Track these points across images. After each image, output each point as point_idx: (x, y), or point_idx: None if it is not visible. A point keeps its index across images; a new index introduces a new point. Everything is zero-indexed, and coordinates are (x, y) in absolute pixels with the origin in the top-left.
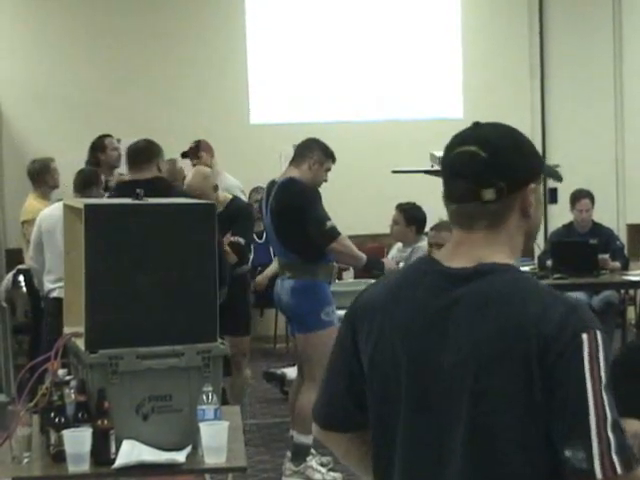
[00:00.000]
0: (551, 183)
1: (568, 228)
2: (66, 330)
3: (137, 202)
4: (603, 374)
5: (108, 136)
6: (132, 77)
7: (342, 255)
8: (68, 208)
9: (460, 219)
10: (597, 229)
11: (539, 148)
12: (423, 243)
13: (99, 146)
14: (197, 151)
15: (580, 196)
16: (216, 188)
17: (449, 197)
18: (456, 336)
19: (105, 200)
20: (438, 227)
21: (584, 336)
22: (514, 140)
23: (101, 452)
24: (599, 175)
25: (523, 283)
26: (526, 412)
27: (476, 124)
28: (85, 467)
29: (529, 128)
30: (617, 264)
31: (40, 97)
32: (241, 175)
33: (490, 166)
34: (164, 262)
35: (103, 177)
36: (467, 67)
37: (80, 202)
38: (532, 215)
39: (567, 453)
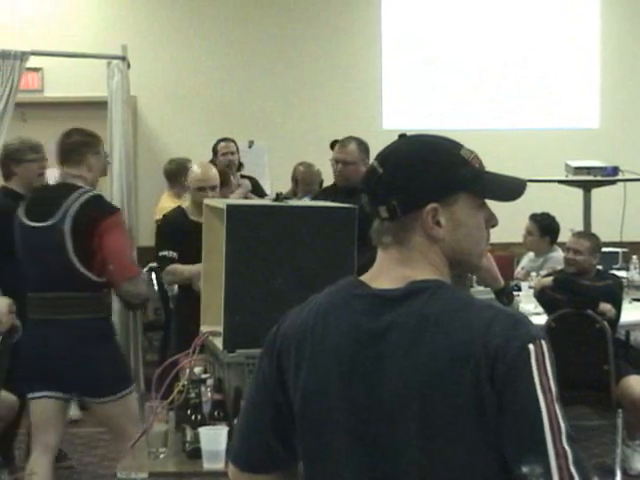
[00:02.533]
0: None
1: None
2: (203, 329)
3: (278, 204)
4: (552, 384)
5: (223, 140)
6: (267, 82)
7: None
8: (208, 208)
9: (373, 235)
10: None
11: None
12: (556, 253)
13: (214, 150)
14: None
15: None
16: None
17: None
18: (395, 362)
19: (246, 201)
20: (578, 234)
21: (531, 347)
22: (422, 156)
23: None
24: None
25: (459, 299)
26: (480, 434)
27: (400, 137)
28: (220, 465)
29: None
30: None
31: (176, 98)
32: None
33: (383, 183)
34: (303, 263)
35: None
36: (604, 77)
37: (222, 202)
38: (442, 237)
39: (524, 469)
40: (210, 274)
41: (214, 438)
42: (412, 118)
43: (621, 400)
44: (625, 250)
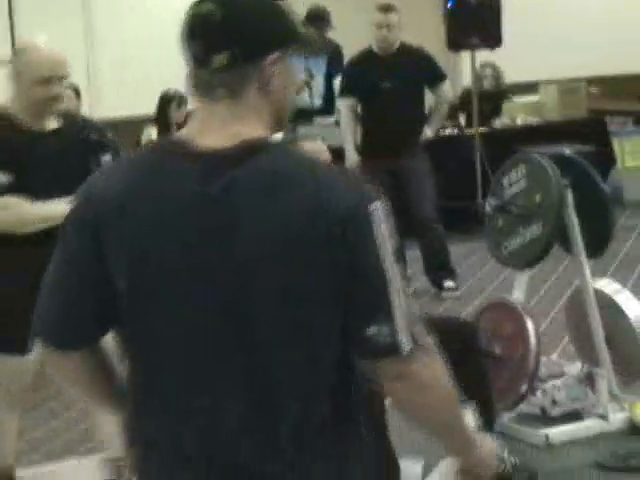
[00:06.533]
0: None
1: None
2: None
3: None
4: (391, 244)
5: None
6: None
7: None
8: None
9: (198, 86)
10: None
11: None
12: None
13: None
14: None
15: None
16: None
17: (188, 60)
18: (245, 225)
19: None
20: None
21: (373, 207)
22: (264, 4)
23: None
24: None
25: (303, 158)
26: (335, 296)
27: None
28: None
29: None
30: None
31: None
32: None
33: (224, 29)
34: None
35: None
36: None
37: None
38: (275, 89)
39: (370, 331)
40: None
41: None
42: None
43: None
44: None
